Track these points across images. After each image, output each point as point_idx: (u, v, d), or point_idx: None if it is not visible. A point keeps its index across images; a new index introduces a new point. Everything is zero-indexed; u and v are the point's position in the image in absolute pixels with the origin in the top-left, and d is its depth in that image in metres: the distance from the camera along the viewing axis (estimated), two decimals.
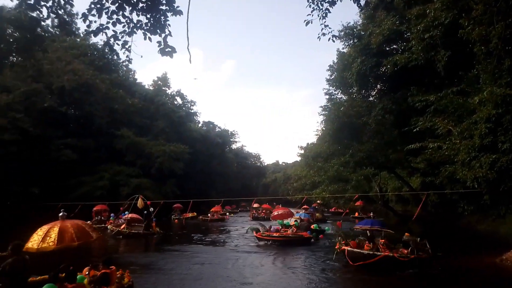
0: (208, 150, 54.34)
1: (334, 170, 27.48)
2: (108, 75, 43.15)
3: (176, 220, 33.54)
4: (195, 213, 36.22)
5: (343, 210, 35.29)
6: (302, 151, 40.46)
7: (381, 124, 23.18)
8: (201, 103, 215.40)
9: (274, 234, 18.03)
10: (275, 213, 21.02)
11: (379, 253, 11.86)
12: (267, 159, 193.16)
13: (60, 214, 7.37)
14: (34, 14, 10.26)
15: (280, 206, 29.61)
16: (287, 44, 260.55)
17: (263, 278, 10.72)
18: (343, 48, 28.81)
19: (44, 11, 8.32)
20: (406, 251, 11.72)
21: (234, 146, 78.56)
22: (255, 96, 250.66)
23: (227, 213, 39.80)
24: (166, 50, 7.51)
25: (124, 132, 38.89)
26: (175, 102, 54.53)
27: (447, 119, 16.70)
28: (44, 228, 6.90)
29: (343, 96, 30.79)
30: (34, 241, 6.64)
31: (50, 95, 33.78)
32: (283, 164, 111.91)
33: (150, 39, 7.86)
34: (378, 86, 26.91)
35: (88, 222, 25.54)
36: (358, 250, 12.34)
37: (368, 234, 13.58)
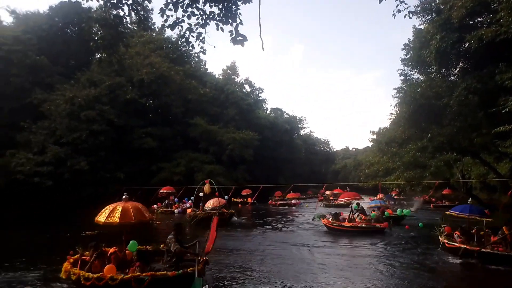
0: (276, 137, 54.78)
1: (410, 155, 25.91)
2: (181, 66, 45.50)
3: (239, 205, 34.24)
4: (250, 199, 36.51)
5: (428, 198, 33.37)
6: (374, 136, 38.65)
7: (464, 105, 21.16)
8: (269, 90, 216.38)
9: (344, 224, 17.03)
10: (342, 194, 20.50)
11: None
12: (337, 145, 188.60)
13: (124, 196, 8.51)
14: (117, 12, 11.22)
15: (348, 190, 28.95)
16: (357, 24, 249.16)
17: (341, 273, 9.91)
18: (420, 25, 26.65)
19: (126, 9, 9.10)
20: None
21: (302, 132, 78.05)
22: (324, 80, 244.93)
23: (296, 199, 39.75)
24: (238, 39, 7.73)
25: (197, 121, 40.87)
26: (244, 90, 55.65)
27: None
28: (111, 206, 8.20)
29: (420, 77, 28.63)
30: (102, 216, 7.96)
31: (131, 88, 36.69)
32: (353, 150, 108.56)
33: (222, 29, 8.15)
34: (461, 64, 24.52)
35: (154, 206, 27.53)
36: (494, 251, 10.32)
37: (463, 226, 12.03)
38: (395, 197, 34.06)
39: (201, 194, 20.76)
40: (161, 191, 29.26)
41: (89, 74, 36.71)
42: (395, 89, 28.06)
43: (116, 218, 7.74)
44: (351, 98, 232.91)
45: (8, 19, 39.55)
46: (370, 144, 59.66)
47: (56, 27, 41.46)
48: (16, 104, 36.15)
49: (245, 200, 36.83)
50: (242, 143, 41.58)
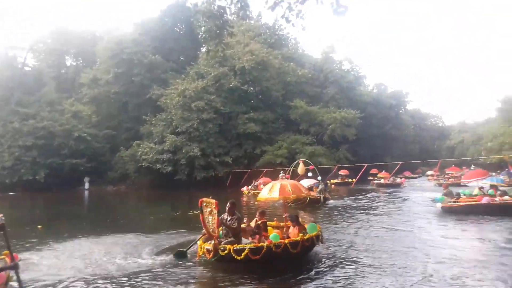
0: (381, 113, 51.69)
1: None
2: (279, 50, 46.11)
3: (333, 186, 32.28)
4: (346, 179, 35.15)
5: None
6: (500, 105, 33.69)
7: None
8: (370, 66, 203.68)
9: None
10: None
11: None
12: (451, 119, 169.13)
13: (281, 175, 9.20)
14: (221, 3, 11.96)
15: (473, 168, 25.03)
16: None
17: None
18: None
19: None
20: None
21: (409, 107, 72.21)
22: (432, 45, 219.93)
23: (402, 178, 36.59)
24: (339, 10, 7.57)
25: (297, 103, 41.08)
26: (343, 68, 53.68)
27: None
28: (275, 184, 8.76)
29: None
30: (263, 194, 8.72)
31: (234, 76, 38.64)
32: (472, 123, 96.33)
33: (322, 2, 8.05)
34: None
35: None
36: None
37: None
38: None
39: (281, 174, 19.82)
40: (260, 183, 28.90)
41: (196, 67, 39.91)
42: None
43: (274, 194, 8.34)
44: (469, 61, 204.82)
45: (127, 29, 45.02)
46: (493, 115, 52.39)
47: (166, 27, 45.89)
48: (139, 100, 41.54)
49: (343, 180, 35.45)
50: (344, 122, 40.44)
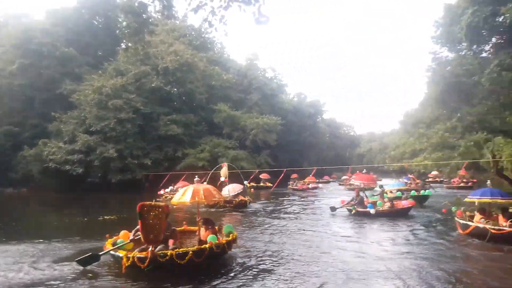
0: (300, 121, 54.50)
1: (439, 136, 25.26)
2: (204, 53, 45.80)
3: (252, 190, 31.13)
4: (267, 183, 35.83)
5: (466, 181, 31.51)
6: (402, 118, 37.88)
7: (497, 83, 20.34)
8: (291, 75, 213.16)
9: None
10: (355, 177, 19.57)
11: None
12: (362, 129, 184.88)
13: (196, 179, 9.03)
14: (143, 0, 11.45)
15: (358, 172, 27.51)
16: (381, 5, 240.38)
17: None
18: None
19: None
20: None
21: (326, 117, 77.14)
22: (347, 63, 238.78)
23: (313, 183, 38.24)
24: (261, 19, 7.80)
25: (221, 107, 41.17)
26: (267, 75, 55.35)
27: None
28: (189, 188, 8.65)
29: (449, 54, 27.68)
30: (176, 198, 8.67)
31: (156, 76, 37.35)
32: (380, 133, 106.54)
33: (245, 10, 8.21)
34: (493, 40, 23.51)
35: (160, 192, 26.56)
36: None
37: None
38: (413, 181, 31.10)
39: (222, 179, 20.01)
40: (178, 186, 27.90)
41: (115, 64, 37.68)
42: (424, 68, 27.23)
43: (187, 198, 8.27)
44: (378, 80, 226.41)
45: (39, 16, 40.92)
46: (397, 127, 58.59)
47: (83, 19, 42.61)
48: (47, 95, 37.83)
49: (264, 184, 36.19)
50: (266, 128, 41.65)
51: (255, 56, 53.66)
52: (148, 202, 7.55)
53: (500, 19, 20.36)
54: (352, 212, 15.62)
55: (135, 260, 7.01)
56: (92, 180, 32.53)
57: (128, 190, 29.85)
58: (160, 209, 7.44)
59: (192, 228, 9.87)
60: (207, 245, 7.31)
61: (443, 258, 8.53)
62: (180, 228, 9.46)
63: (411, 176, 31.00)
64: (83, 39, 41.78)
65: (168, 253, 6.93)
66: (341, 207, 16.40)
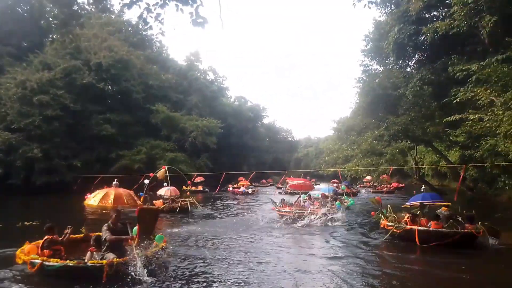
0: (240, 125, 54.80)
1: (368, 143, 27.06)
2: (142, 51, 44.03)
3: (188, 193, 31.39)
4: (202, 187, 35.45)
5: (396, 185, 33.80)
6: (335, 125, 39.85)
7: (419, 96, 22.29)
8: (232, 78, 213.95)
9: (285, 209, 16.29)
10: (292, 182, 20.03)
11: (461, 231, 10.00)
12: (299, 134, 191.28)
13: (114, 183, 8.87)
14: None
15: (292, 177, 28.21)
16: (317, 14, 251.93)
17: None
18: (379, 16, 27.66)
19: None
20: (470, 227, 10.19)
21: (265, 121, 78.60)
22: (287, 70, 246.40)
23: (252, 187, 38.37)
24: (198, 21, 7.62)
25: (159, 107, 39.87)
26: (207, 77, 54.88)
27: (489, 89, 15.72)
28: (102, 191, 8.60)
29: (378, 67, 29.73)
30: (94, 200, 8.38)
31: (89, 72, 34.99)
32: (315, 138, 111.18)
33: (182, 10, 7.98)
34: (417, 56, 25.70)
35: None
36: (435, 229, 10.21)
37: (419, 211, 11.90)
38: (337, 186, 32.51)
39: (146, 181, 19.34)
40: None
41: (42, 57, 34.58)
42: (355, 79, 28.88)
43: (109, 201, 8.15)
44: (315, 89, 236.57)
45: None
46: (331, 133, 61.51)
47: (4, 4, 38.52)
48: None
49: (196, 188, 35.34)
50: (205, 131, 41.19)
51: (196, 57, 52.98)
52: (146, 206, 8.34)
53: (422, 38, 22.28)
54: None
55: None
56: (13, 182, 29.52)
57: (55, 192, 27.65)
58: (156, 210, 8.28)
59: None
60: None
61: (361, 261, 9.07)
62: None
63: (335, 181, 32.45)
64: (4, 27, 37.76)
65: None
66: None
